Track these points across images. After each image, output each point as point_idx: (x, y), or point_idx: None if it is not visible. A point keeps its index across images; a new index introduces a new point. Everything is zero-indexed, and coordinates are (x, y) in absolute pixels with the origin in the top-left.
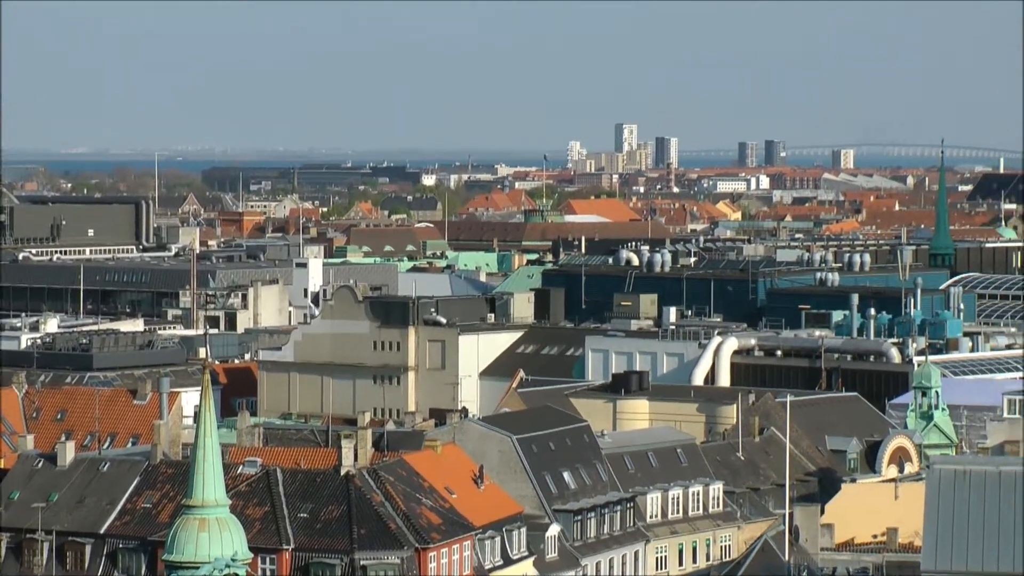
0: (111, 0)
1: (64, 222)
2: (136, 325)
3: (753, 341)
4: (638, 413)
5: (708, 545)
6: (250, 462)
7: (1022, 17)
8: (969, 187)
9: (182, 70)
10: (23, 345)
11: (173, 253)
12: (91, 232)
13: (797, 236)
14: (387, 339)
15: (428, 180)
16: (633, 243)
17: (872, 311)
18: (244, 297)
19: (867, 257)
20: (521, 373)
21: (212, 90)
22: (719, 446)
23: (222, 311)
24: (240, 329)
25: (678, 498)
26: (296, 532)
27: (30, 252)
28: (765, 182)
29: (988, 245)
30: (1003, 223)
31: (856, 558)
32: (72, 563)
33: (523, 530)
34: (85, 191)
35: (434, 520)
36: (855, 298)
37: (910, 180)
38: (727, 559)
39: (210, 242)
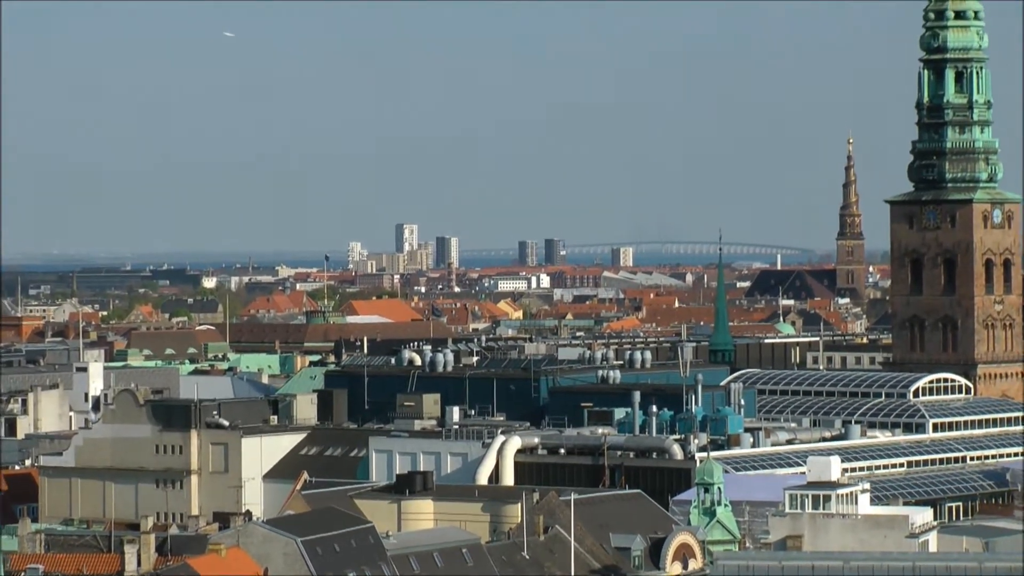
0: None
1: None
2: None
3: (536, 439)
4: (423, 513)
5: None
6: (32, 569)
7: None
8: (747, 283)
9: None
10: None
11: None
12: None
13: (578, 334)
14: (169, 442)
15: (209, 282)
16: (415, 343)
17: (654, 408)
18: (24, 402)
19: (648, 354)
20: (305, 475)
21: None
22: (504, 545)
23: (2, 417)
24: (20, 435)
25: None
26: None
27: None
28: (546, 281)
29: (767, 341)
30: (781, 319)
31: None
32: None
33: None
34: None
35: None
36: (637, 395)
37: (689, 277)
38: None
39: None
